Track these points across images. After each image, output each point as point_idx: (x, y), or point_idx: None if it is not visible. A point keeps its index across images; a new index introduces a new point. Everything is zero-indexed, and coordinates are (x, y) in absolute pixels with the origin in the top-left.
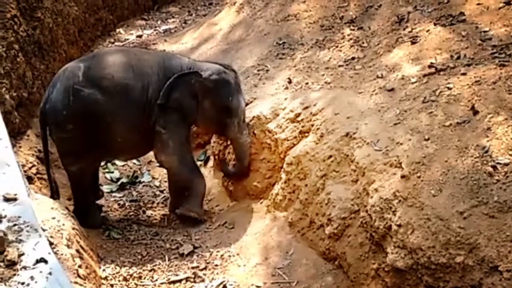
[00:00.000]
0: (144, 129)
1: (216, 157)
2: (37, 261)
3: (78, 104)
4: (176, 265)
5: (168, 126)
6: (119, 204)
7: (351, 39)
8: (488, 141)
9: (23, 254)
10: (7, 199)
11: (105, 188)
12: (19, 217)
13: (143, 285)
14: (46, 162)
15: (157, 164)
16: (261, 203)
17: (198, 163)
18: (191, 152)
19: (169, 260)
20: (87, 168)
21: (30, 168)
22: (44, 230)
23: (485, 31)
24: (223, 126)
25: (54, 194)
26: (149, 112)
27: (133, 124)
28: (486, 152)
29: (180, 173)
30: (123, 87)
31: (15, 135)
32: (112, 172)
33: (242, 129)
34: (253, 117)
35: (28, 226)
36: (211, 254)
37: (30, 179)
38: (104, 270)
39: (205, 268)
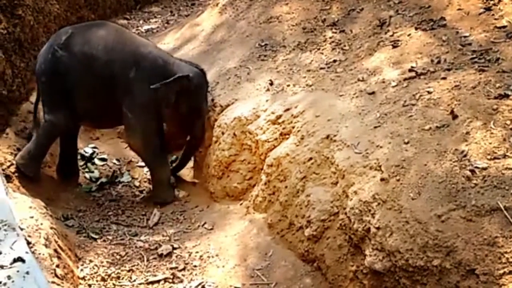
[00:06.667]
0: (106, 101)
1: (197, 158)
2: (15, 260)
3: (52, 63)
4: (154, 266)
5: (135, 110)
6: (98, 204)
7: (332, 42)
8: (466, 145)
9: (0, 253)
10: None
11: (84, 188)
12: None
13: (121, 286)
14: (35, 107)
15: (138, 164)
16: (240, 204)
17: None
18: (156, 136)
19: (147, 260)
20: (58, 123)
21: (8, 167)
22: (22, 229)
23: (465, 36)
24: (189, 125)
25: None
26: (112, 87)
27: (94, 93)
28: (465, 156)
29: (144, 158)
30: (90, 56)
31: None
32: (92, 172)
33: (203, 127)
34: (234, 118)
35: (5, 225)
36: (190, 255)
37: (8, 178)
38: (82, 270)
39: (183, 269)
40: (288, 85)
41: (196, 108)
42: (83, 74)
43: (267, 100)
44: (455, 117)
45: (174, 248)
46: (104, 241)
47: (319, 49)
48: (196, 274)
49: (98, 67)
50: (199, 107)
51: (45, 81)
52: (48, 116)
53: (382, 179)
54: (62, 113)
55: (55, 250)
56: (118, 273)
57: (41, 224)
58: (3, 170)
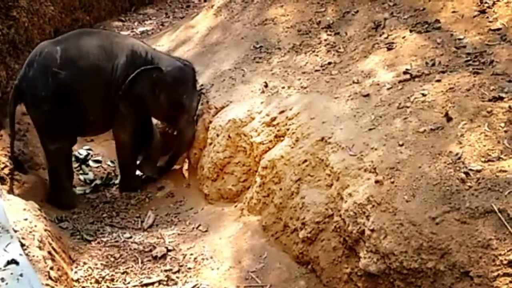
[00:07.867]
0: (109, 106)
1: (191, 160)
2: (8, 263)
3: (56, 86)
4: (149, 268)
5: (129, 109)
6: (92, 206)
7: (327, 44)
8: (461, 147)
9: None
10: None
11: (78, 190)
12: None
13: None
14: (11, 136)
15: None
16: (235, 206)
17: None
18: (135, 136)
19: (142, 262)
20: (64, 147)
21: (2, 169)
22: (15, 231)
23: (459, 39)
24: (173, 119)
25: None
26: (116, 92)
27: (103, 102)
28: (459, 158)
29: (125, 149)
30: (96, 67)
31: None
32: (86, 174)
33: (189, 124)
34: (229, 120)
35: None
36: (184, 257)
37: (2, 180)
38: (76, 272)
39: (178, 271)
40: (283, 87)
41: (177, 102)
42: (92, 87)
43: (261, 102)
44: (449, 119)
45: (168, 250)
46: (98, 243)
47: (314, 51)
48: (190, 276)
49: (106, 76)
50: (179, 101)
51: (48, 109)
52: (54, 145)
53: (376, 181)
54: (67, 137)
55: (49, 252)
56: (112, 275)
57: (35, 226)
58: None
